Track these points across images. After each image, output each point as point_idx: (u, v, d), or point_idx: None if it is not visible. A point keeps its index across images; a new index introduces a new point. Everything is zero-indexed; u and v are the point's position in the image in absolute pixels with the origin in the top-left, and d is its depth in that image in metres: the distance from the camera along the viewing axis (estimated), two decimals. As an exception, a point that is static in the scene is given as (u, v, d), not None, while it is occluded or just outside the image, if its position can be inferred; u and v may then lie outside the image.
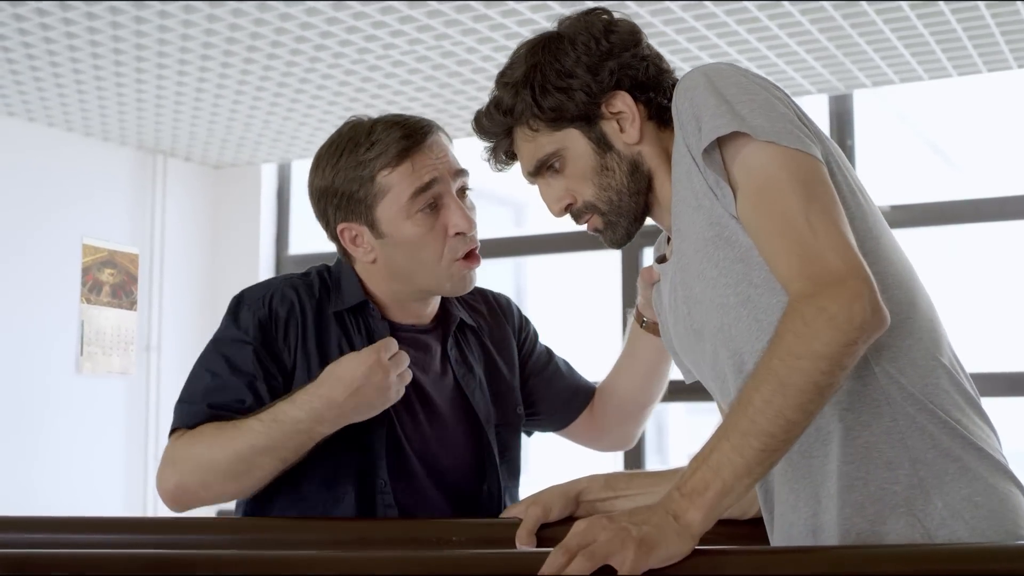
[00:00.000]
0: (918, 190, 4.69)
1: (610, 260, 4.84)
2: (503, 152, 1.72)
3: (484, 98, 4.71)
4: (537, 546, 1.70)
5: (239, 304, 1.92)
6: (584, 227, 1.70)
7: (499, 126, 1.67)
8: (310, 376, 1.84)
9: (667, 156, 1.60)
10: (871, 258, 1.43)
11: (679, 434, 6.24)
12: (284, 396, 1.81)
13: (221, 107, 4.56)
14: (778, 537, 1.51)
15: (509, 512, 1.77)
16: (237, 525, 1.83)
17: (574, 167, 1.63)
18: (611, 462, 4.64)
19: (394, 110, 4.16)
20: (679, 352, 1.68)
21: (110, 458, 5.11)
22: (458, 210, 1.89)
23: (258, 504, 1.89)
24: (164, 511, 1.98)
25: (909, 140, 6.06)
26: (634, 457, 4.59)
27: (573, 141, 1.62)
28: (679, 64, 3.67)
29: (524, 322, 2.16)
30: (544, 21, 3.50)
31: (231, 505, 1.95)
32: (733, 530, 1.61)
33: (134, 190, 5.31)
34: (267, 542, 1.76)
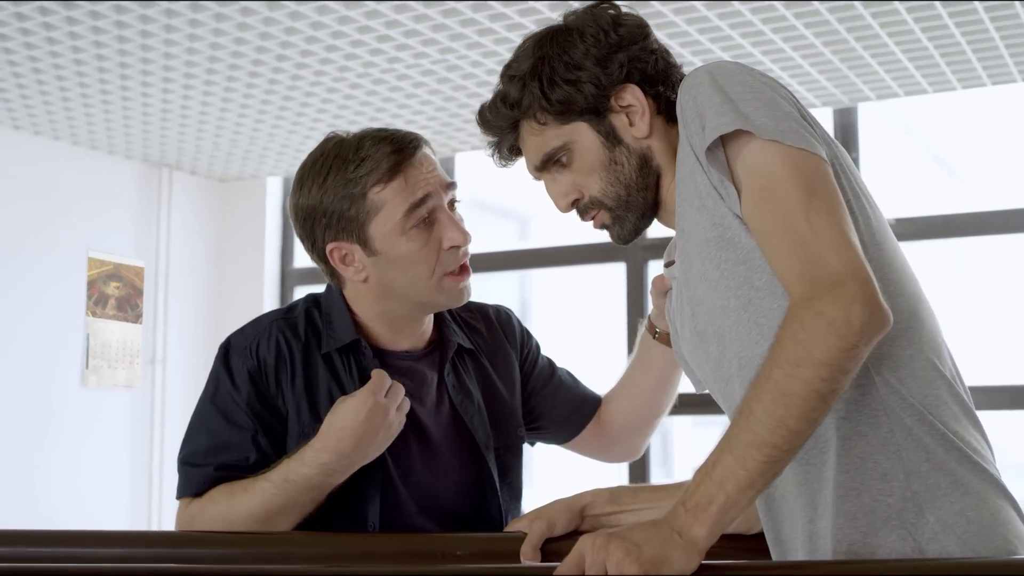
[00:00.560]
0: (923, 203, 4.68)
1: (615, 273, 4.84)
2: (507, 147, 1.69)
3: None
4: (541, 560, 1.69)
5: (227, 354, 1.87)
6: (590, 224, 1.67)
7: (505, 120, 1.65)
8: (300, 420, 1.82)
9: (674, 153, 1.58)
10: (874, 264, 1.42)
11: (684, 446, 6.23)
12: (289, 454, 1.78)
13: (226, 120, 4.57)
14: (774, 543, 1.51)
15: (513, 526, 1.77)
16: (241, 539, 1.82)
17: (582, 161, 1.61)
18: (616, 475, 4.63)
19: (398, 124, 4.17)
20: (689, 359, 1.67)
21: (115, 471, 5.11)
22: (452, 224, 1.86)
23: None
24: (168, 524, 1.97)
25: (914, 153, 6.06)
26: (639, 470, 4.59)
27: (581, 135, 1.60)
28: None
29: (526, 336, 2.13)
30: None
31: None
32: (739, 544, 1.60)
33: (140, 203, 5.32)
34: (271, 556, 1.75)
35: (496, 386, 2.00)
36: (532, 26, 3.47)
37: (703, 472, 1.32)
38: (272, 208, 5.65)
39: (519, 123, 1.64)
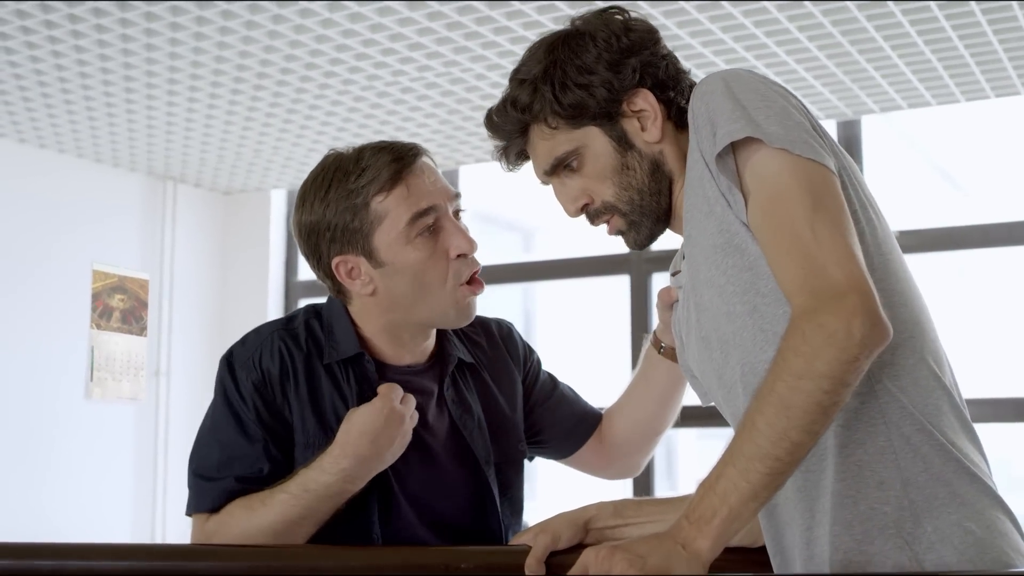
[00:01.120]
0: (926, 215, 4.69)
1: (619, 285, 4.84)
2: (515, 152, 1.68)
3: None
4: (546, 574, 1.69)
5: (231, 367, 1.86)
6: (599, 230, 1.66)
7: (514, 124, 1.63)
8: (305, 430, 1.81)
9: (685, 158, 1.58)
10: (879, 274, 1.43)
11: (689, 460, 6.22)
12: (305, 465, 1.77)
13: (231, 133, 4.58)
14: (775, 551, 1.51)
15: (517, 539, 1.76)
16: (245, 553, 1.82)
17: (593, 166, 1.60)
18: (620, 489, 4.62)
19: (402, 136, 4.18)
20: (695, 370, 1.66)
21: (119, 484, 5.11)
22: (458, 232, 1.84)
23: None
24: (172, 537, 1.97)
25: (917, 165, 6.06)
26: (643, 483, 4.58)
27: (593, 139, 1.59)
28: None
29: (528, 351, 2.11)
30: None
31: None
32: (742, 556, 1.60)
33: (144, 216, 5.33)
34: (276, 569, 1.75)
35: (497, 400, 1.99)
36: (536, 38, 3.47)
37: (706, 485, 1.33)
38: (276, 221, 5.65)
39: (528, 127, 1.63)
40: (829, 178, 1.41)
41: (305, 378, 1.84)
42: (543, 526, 1.74)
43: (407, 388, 1.87)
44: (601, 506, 1.77)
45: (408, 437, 1.77)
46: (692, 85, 1.58)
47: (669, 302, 1.83)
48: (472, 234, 1.89)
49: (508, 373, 2.04)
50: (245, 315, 5.39)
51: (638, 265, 4.68)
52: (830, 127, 4.41)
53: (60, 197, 4.95)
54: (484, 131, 4.59)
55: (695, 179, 1.51)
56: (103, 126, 4.49)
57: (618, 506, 1.76)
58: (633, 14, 1.66)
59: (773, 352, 1.37)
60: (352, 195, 1.81)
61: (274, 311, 5.48)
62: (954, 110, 4.26)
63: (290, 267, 5.66)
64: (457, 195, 1.88)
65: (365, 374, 1.86)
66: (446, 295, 1.83)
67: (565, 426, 2.09)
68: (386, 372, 1.88)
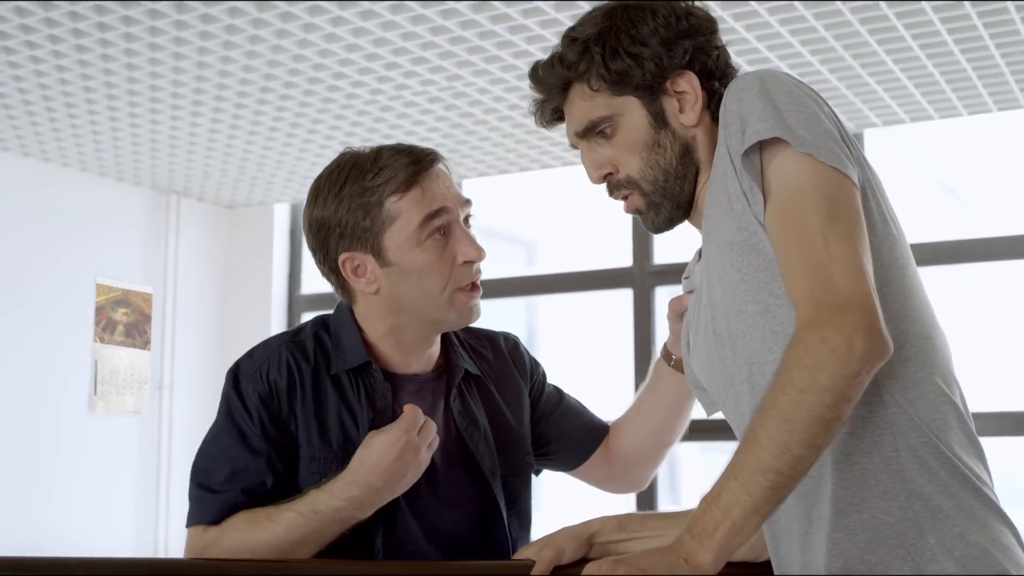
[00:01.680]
0: (929, 229, 4.69)
1: (622, 299, 4.84)
2: (552, 108, 1.67)
3: (496, 138, 4.73)
4: (550, 587, 1.69)
5: (237, 379, 1.86)
6: (619, 204, 1.65)
7: (558, 79, 1.63)
8: (310, 444, 1.81)
9: (714, 151, 1.57)
10: (894, 287, 1.43)
11: (692, 474, 6.22)
12: (317, 485, 1.77)
13: (234, 147, 4.59)
14: (775, 556, 1.51)
15: (521, 554, 1.76)
16: (250, 567, 1.82)
17: (625, 136, 1.59)
18: (623, 503, 4.62)
19: (406, 150, 4.19)
20: (700, 372, 1.64)
21: (122, 497, 5.11)
22: (467, 239, 1.85)
23: None
24: (175, 551, 1.96)
25: (920, 179, 6.07)
26: (647, 497, 4.58)
27: (630, 110, 1.59)
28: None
29: (534, 364, 2.11)
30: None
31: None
32: (745, 571, 1.60)
33: (148, 230, 5.34)
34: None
35: (503, 413, 1.99)
36: (539, 53, 3.48)
37: (709, 499, 1.33)
38: (279, 235, 5.66)
39: (570, 86, 1.63)
40: (849, 189, 1.41)
41: (312, 391, 1.84)
42: (547, 540, 1.74)
43: (415, 397, 1.88)
44: (605, 520, 1.77)
45: (423, 467, 1.77)
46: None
47: (680, 311, 1.82)
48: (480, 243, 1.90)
49: (514, 385, 2.04)
50: (248, 329, 5.40)
51: (641, 279, 4.68)
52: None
53: (64, 211, 4.96)
54: (487, 145, 4.58)
55: (719, 175, 1.51)
56: (107, 139, 4.50)
57: (622, 520, 1.76)
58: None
59: (781, 354, 1.37)
60: (367, 193, 1.82)
61: (277, 325, 5.49)
62: (956, 123, 4.26)
63: (293, 281, 5.66)
64: (468, 202, 1.90)
65: (373, 383, 1.86)
66: (443, 299, 1.83)
67: (572, 437, 2.09)
68: (395, 381, 1.88)
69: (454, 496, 1.89)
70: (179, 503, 5.24)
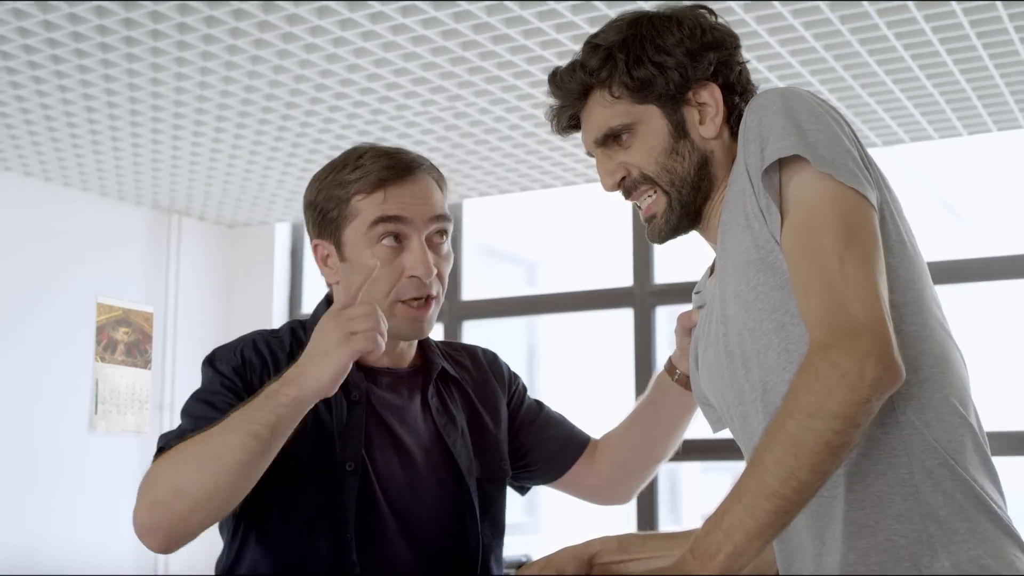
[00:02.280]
0: (930, 248, 4.68)
1: (623, 319, 4.85)
2: (568, 115, 1.66)
3: (497, 158, 4.74)
4: (550, 608, 1.68)
5: (212, 361, 1.88)
6: (635, 207, 1.64)
7: (578, 85, 1.62)
8: None
9: (730, 166, 1.58)
10: (911, 308, 1.42)
11: (693, 493, 6.21)
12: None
13: (235, 167, 4.60)
14: (783, 572, 1.50)
15: (523, 573, 1.76)
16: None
17: (643, 144, 1.59)
18: (624, 522, 4.61)
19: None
20: (708, 388, 1.63)
21: (123, 517, 5.09)
22: (420, 253, 1.83)
23: (230, 554, 1.85)
24: (175, 571, 1.95)
25: (920, 198, 6.08)
26: (647, 516, 4.56)
27: (651, 118, 1.58)
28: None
29: (512, 376, 2.11)
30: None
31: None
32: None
33: (149, 249, 5.34)
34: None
35: (481, 416, 1.99)
36: (539, 73, 3.49)
37: (712, 520, 1.33)
38: (280, 254, 5.67)
39: (590, 92, 1.63)
40: (867, 211, 1.40)
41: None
42: (548, 561, 1.74)
43: (391, 389, 1.89)
44: (605, 541, 1.76)
45: (369, 340, 1.69)
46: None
47: (688, 326, 1.81)
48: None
49: (492, 394, 2.05)
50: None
51: (642, 299, 4.68)
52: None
53: (65, 230, 4.96)
54: (488, 165, 4.59)
55: (737, 192, 1.50)
56: (108, 160, 4.51)
57: (622, 541, 1.76)
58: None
59: (794, 373, 1.36)
60: (340, 187, 1.87)
61: (278, 344, 5.48)
62: (956, 143, 4.27)
63: (294, 301, 5.67)
64: (439, 218, 1.87)
65: (348, 375, 1.79)
66: (385, 308, 1.81)
67: (551, 447, 2.08)
68: (368, 373, 1.88)
69: (428, 491, 1.87)
70: (179, 523, 5.22)
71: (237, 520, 1.85)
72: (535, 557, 1.85)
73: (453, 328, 5.09)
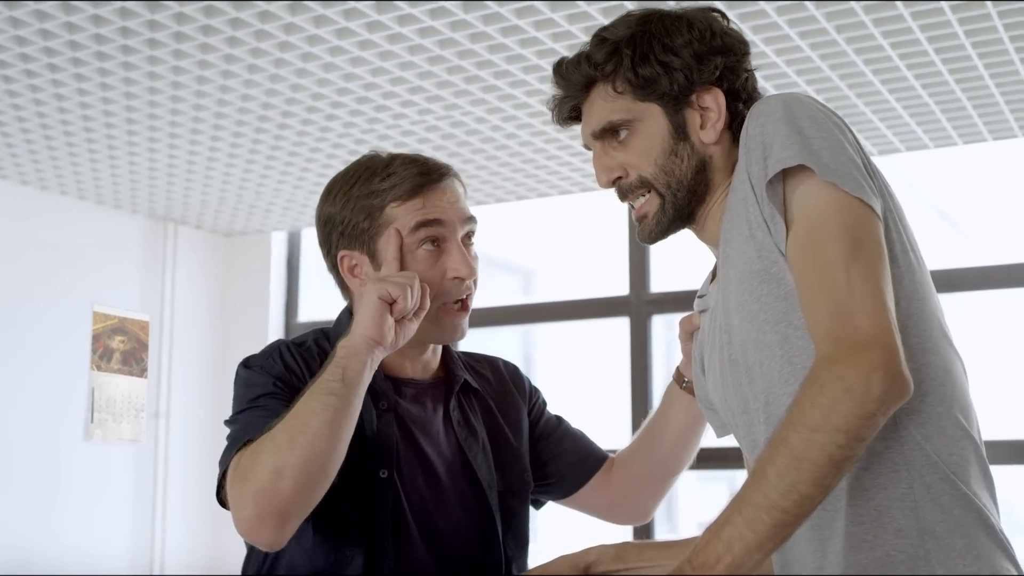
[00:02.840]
0: (926, 257, 4.69)
1: (619, 327, 4.84)
2: (570, 106, 1.66)
3: (494, 167, 4.74)
4: (546, 616, 1.68)
5: (248, 365, 1.87)
6: (627, 206, 1.65)
7: (582, 76, 1.62)
8: None
9: (727, 172, 1.57)
10: (914, 320, 1.41)
11: (689, 503, 6.20)
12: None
13: (232, 176, 4.60)
14: None
15: (519, 581, 1.76)
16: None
17: (642, 142, 1.58)
18: (620, 531, 4.60)
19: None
20: (714, 393, 1.62)
21: (118, 526, 5.09)
22: (460, 255, 1.85)
23: (266, 560, 1.83)
24: (171, 572, 1.93)
25: (916, 207, 6.08)
26: (643, 525, 4.56)
27: (651, 117, 1.58)
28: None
29: (533, 389, 2.12)
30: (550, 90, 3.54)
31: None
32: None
33: (145, 258, 5.34)
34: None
35: (502, 429, 1.99)
36: (536, 83, 3.50)
37: (712, 531, 1.32)
38: (276, 263, 5.66)
39: (594, 85, 1.62)
40: (872, 220, 1.39)
41: None
42: (544, 568, 1.74)
43: (414, 400, 1.89)
44: (602, 550, 1.76)
45: (403, 286, 1.73)
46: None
47: (691, 330, 1.79)
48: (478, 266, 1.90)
49: (513, 404, 2.05)
50: (245, 357, 5.37)
51: (638, 307, 4.68)
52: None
53: (61, 239, 4.96)
54: (484, 174, 4.59)
55: (739, 200, 1.49)
56: (105, 168, 4.51)
57: (619, 550, 1.75)
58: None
59: (798, 386, 1.35)
60: (372, 196, 1.85)
61: (274, 353, 5.47)
62: (952, 153, 4.28)
63: (290, 309, 5.66)
64: (471, 219, 1.90)
65: (376, 383, 1.84)
66: (430, 313, 1.82)
67: (570, 459, 2.08)
68: (394, 383, 1.89)
69: (451, 504, 1.87)
70: (176, 532, 5.22)
71: None
72: (531, 561, 1.84)
73: (449, 337, 5.07)
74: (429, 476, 1.86)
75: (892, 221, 1.46)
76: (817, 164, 1.39)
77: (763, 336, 1.45)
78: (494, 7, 2.97)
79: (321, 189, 1.97)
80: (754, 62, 1.67)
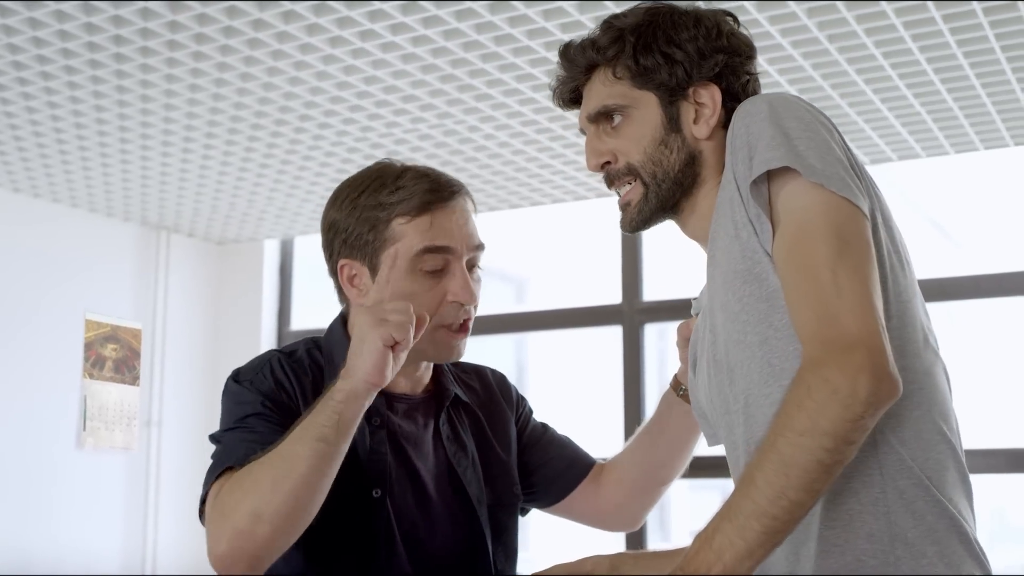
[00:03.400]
0: (918, 266, 4.70)
1: (611, 336, 4.85)
2: (571, 89, 1.67)
3: (487, 176, 4.74)
4: (540, 625, 1.68)
5: (238, 379, 1.84)
6: (614, 195, 1.65)
7: (585, 60, 1.63)
8: None
9: (717, 169, 1.58)
10: (897, 322, 1.41)
11: (682, 511, 6.20)
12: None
13: (224, 183, 4.60)
14: None
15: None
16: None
17: (634, 129, 1.59)
18: (613, 540, 4.60)
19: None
20: (703, 397, 1.62)
21: (110, 534, 5.08)
22: (463, 279, 1.83)
23: None
24: (163, 572, 1.90)
25: (908, 217, 6.09)
26: (636, 534, 4.55)
27: (646, 105, 1.59)
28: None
29: (520, 397, 2.11)
30: (545, 100, 3.55)
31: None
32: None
33: (137, 266, 5.33)
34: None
35: (491, 442, 1.98)
36: (529, 91, 3.50)
37: (702, 539, 1.31)
38: (269, 271, 5.65)
39: (595, 68, 1.64)
40: (860, 220, 1.38)
41: (306, 405, 1.80)
42: (538, 578, 1.73)
43: (405, 416, 1.87)
44: (598, 560, 1.75)
45: (404, 325, 1.68)
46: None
47: (687, 335, 1.79)
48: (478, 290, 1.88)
49: (501, 415, 2.03)
50: (237, 365, 5.36)
51: (631, 316, 4.68)
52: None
53: (54, 246, 4.95)
54: (477, 183, 4.59)
55: (725, 200, 1.49)
56: (97, 176, 4.51)
57: (614, 560, 1.75)
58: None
59: (777, 388, 1.35)
60: (379, 207, 1.82)
61: (266, 361, 5.46)
62: (943, 162, 4.29)
63: (283, 317, 5.65)
64: (479, 247, 1.88)
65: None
66: (426, 334, 1.78)
67: (557, 466, 2.06)
68: (386, 398, 1.86)
69: (440, 519, 1.86)
70: (167, 540, 5.21)
71: None
72: (520, 572, 1.84)
73: (442, 345, 5.06)
74: (419, 492, 1.85)
75: (879, 222, 1.45)
76: (802, 165, 1.39)
77: (744, 337, 1.45)
78: (488, 16, 2.98)
79: (314, 197, 1.96)
80: (747, 71, 1.67)
